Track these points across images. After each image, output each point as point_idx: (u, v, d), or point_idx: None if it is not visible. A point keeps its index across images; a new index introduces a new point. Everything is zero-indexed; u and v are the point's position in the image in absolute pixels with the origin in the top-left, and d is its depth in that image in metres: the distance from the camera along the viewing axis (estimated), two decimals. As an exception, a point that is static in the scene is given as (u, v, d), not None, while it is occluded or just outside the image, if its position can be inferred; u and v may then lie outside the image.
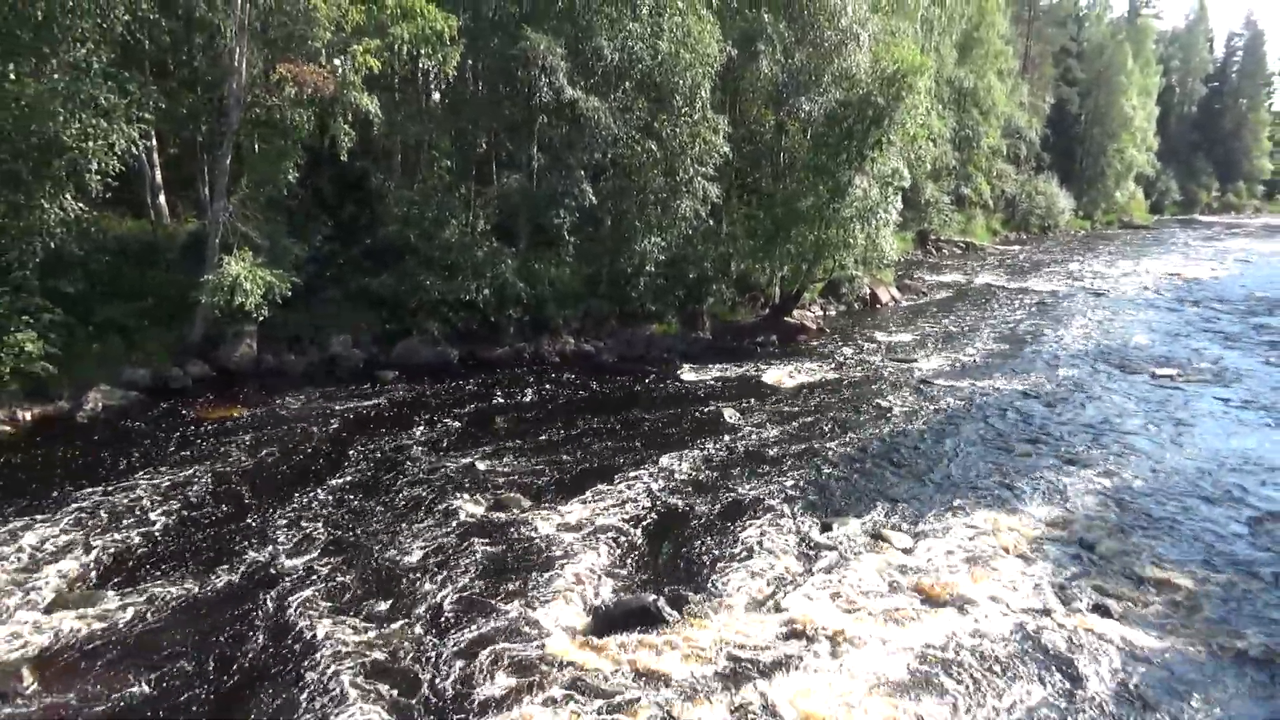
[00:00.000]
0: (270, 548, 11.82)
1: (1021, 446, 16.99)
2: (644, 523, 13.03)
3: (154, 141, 21.49)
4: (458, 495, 13.80)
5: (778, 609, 10.53)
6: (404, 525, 12.71)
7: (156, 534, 12.18)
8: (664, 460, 15.69)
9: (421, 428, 17.17)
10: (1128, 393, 21.12)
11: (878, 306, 32.91)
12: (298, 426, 17.02)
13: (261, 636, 9.71)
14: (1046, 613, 10.51)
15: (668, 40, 23.07)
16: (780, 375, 22.20)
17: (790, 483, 14.80)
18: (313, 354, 21.41)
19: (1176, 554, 12.30)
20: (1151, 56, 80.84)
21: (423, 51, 19.56)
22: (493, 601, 10.53)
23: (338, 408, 18.31)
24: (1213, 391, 21.22)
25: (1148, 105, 77.54)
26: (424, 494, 13.88)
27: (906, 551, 12.15)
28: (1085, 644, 9.85)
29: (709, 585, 11.13)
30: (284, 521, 12.70)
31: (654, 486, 14.47)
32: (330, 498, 13.67)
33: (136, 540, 11.93)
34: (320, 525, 12.62)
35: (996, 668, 9.39)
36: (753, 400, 19.92)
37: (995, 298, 36.02)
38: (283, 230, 20.63)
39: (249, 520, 12.72)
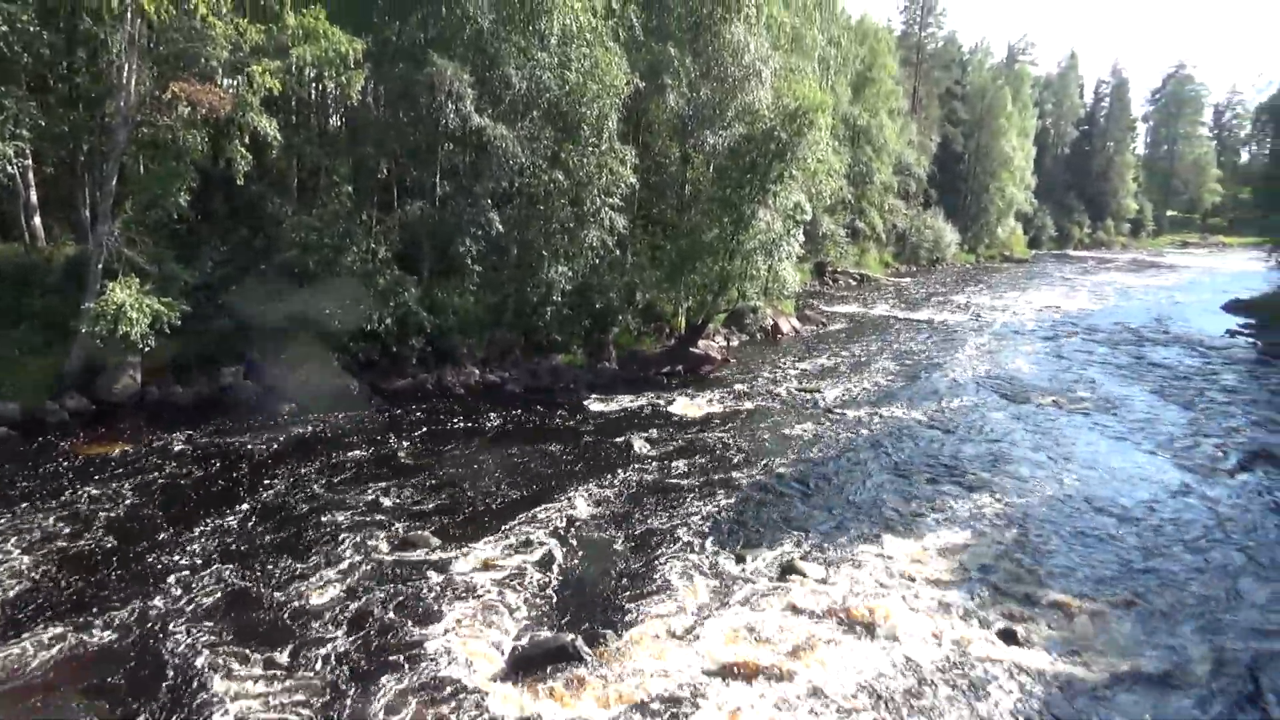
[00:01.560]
0: (157, 596, 11.10)
1: (923, 474, 17.47)
2: (557, 558, 12.79)
3: (29, 160, 20.22)
4: (362, 533, 13.28)
5: (695, 643, 10.45)
6: (305, 567, 12.13)
7: (25, 582, 11.28)
8: (575, 493, 15.50)
9: (321, 463, 16.51)
10: (1017, 420, 21.99)
11: (780, 336, 33.51)
12: (184, 463, 16.13)
13: (151, 692, 9.07)
14: (956, 639, 10.74)
15: (575, 71, 23.13)
16: (687, 405, 22.29)
17: (702, 514, 14.80)
18: (202, 385, 20.42)
19: (1071, 576, 12.78)
20: (1029, 100, 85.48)
21: (326, 74, 19.06)
22: (404, 645, 10.13)
23: (229, 442, 17.45)
24: (1093, 418, 22.28)
25: (1026, 146, 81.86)
26: (326, 533, 13.31)
27: (820, 581, 12.26)
28: (994, 669, 10.10)
29: (626, 621, 10.98)
30: (171, 566, 11.97)
31: (566, 520, 14.25)
32: (221, 539, 12.95)
33: (1, 590, 11.02)
34: (211, 570, 11.93)
35: (913, 695, 9.52)
36: (661, 431, 19.91)
37: (891, 328, 37.19)
38: (171, 255, 19.64)
39: (132, 566, 11.93)
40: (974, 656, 10.35)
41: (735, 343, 31.45)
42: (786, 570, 12.61)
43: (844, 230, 52.37)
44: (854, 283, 53.94)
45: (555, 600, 11.56)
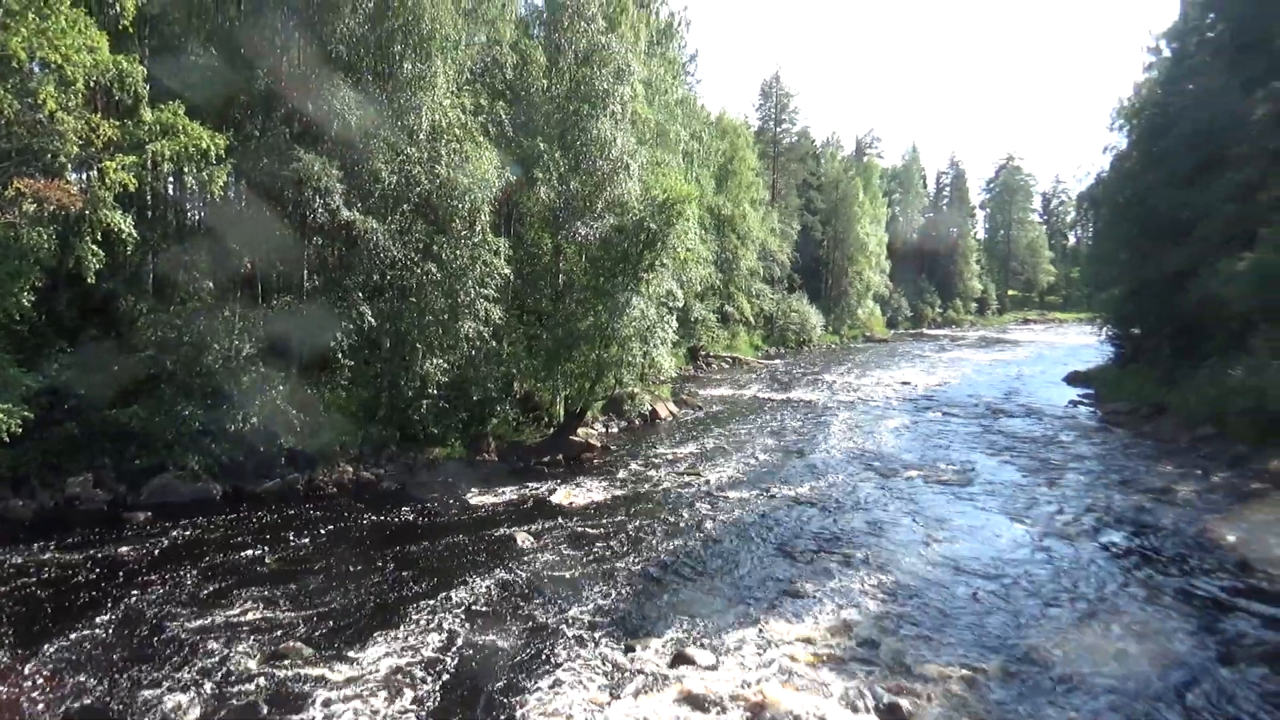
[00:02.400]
0: (-8, 734, 10.01)
1: (804, 551, 17.75)
2: (440, 663, 12.26)
3: None
4: (227, 649, 12.39)
5: (589, 743, 10.14)
6: (163, 688, 11.18)
7: None
8: (457, 592, 14.99)
9: (181, 575, 15.40)
10: (887, 494, 22.73)
11: (658, 421, 33.82)
12: (24, 583, 14.77)
13: None
14: (843, 718, 10.78)
15: (446, 166, 23.29)
16: (570, 495, 22.07)
17: (590, 606, 14.54)
18: (44, 497, 18.94)
19: (949, 646, 13.11)
20: (878, 190, 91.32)
21: (186, 169, 18.52)
22: (274, 770, 9.41)
23: (74, 558, 16.10)
24: (957, 489, 23.27)
25: (878, 232, 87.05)
26: (186, 650, 12.35)
27: (710, 669, 12.16)
28: (884, 746, 10.17)
29: (515, 725, 10.56)
30: (6, 697, 10.81)
31: (448, 621, 13.72)
32: (67, 663, 11.82)
33: None
34: (56, 696, 10.85)
35: (808, 780, 9.47)
36: (544, 522, 19.59)
37: (765, 408, 38.12)
38: (11, 359, 18.32)
39: (-37, 703, 10.74)
40: (864, 733, 10.43)
41: (615, 429, 31.54)
42: (677, 659, 12.46)
43: (715, 315, 53.90)
44: (727, 366, 55.30)
45: (438, 708, 11.04)
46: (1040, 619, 14.25)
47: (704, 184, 48.21)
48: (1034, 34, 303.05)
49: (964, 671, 12.16)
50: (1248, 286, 24.36)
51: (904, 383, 48.10)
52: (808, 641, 13.18)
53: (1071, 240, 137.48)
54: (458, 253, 23.88)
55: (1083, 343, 63.88)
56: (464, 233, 24.03)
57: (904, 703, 11.16)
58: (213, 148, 18.34)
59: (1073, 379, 47.74)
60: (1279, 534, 18.56)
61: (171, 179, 22.43)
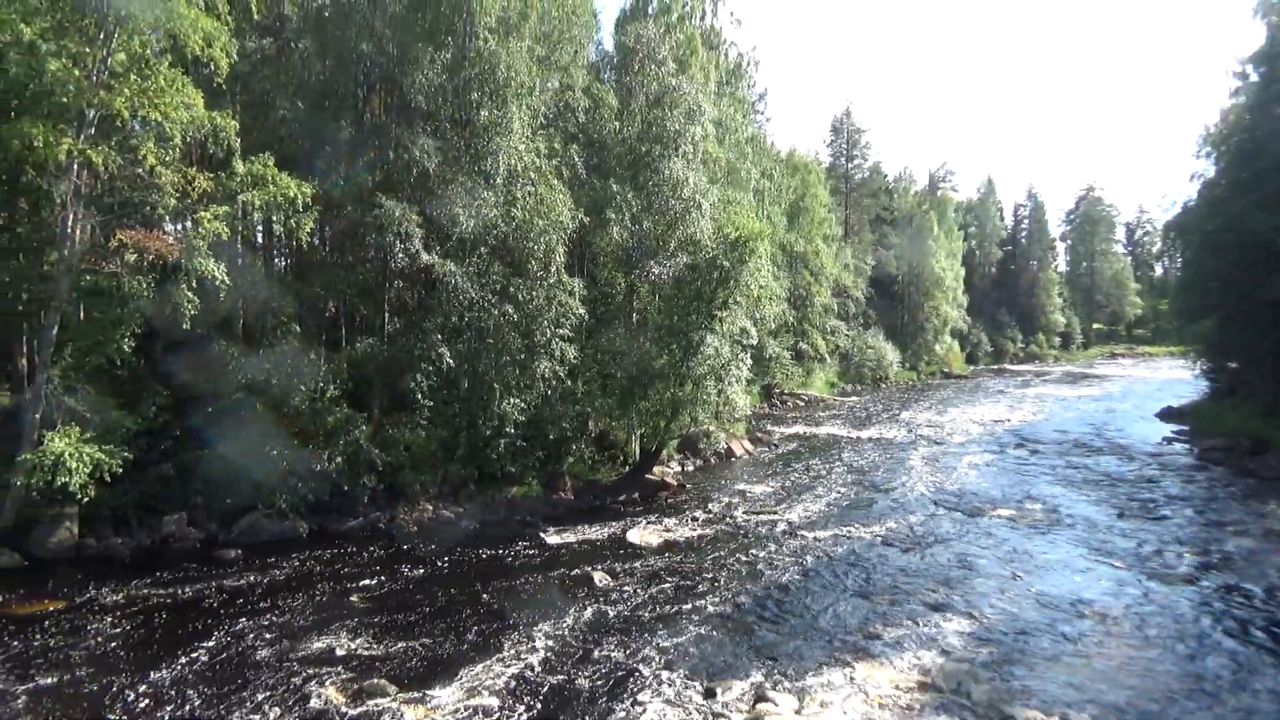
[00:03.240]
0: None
1: (885, 593, 17.29)
2: (520, 702, 12.24)
3: (-38, 310, 19.89)
4: (315, 686, 12.58)
5: (671, 787, 9.95)
6: (252, 725, 11.40)
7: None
8: (535, 630, 14.98)
9: (269, 612, 15.75)
10: (972, 534, 22.04)
11: (733, 459, 33.55)
12: (123, 619, 15.25)
13: None
14: (938, 766, 10.39)
15: (521, 208, 23.75)
16: (646, 534, 21.96)
17: (668, 646, 14.37)
18: (142, 536, 19.58)
19: (1042, 694, 12.58)
20: (954, 224, 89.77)
21: (274, 218, 19.27)
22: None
23: (171, 594, 16.61)
24: (1045, 530, 22.45)
25: (955, 266, 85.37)
26: (276, 687, 12.58)
27: (795, 713, 11.89)
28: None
29: (596, 767, 10.43)
30: (108, 732, 11.15)
31: (527, 660, 13.71)
32: (160, 699, 12.15)
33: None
34: (152, 733, 11.14)
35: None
36: (621, 561, 19.51)
37: (841, 447, 37.48)
38: (112, 403, 19.17)
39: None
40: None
41: (690, 467, 31.36)
42: (758, 701, 12.22)
43: (789, 352, 53.39)
44: (802, 403, 54.63)
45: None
46: (1137, 667, 13.61)
47: (775, 221, 48.07)
48: (1111, 63, 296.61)
49: (1059, 720, 11.62)
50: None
51: (987, 419, 46.83)
52: (894, 686, 12.79)
53: (1159, 271, 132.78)
54: (534, 293, 24.23)
55: (1174, 377, 61.48)
56: (539, 273, 24.40)
57: (998, 752, 10.71)
58: (300, 196, 19.04)
59: (1165, 415, 45.86)
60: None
61: (260, 227, 23.34)
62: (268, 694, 12.33)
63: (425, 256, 22.38)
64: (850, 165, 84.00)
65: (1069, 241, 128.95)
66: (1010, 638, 14.77)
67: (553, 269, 24.59)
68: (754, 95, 52.02)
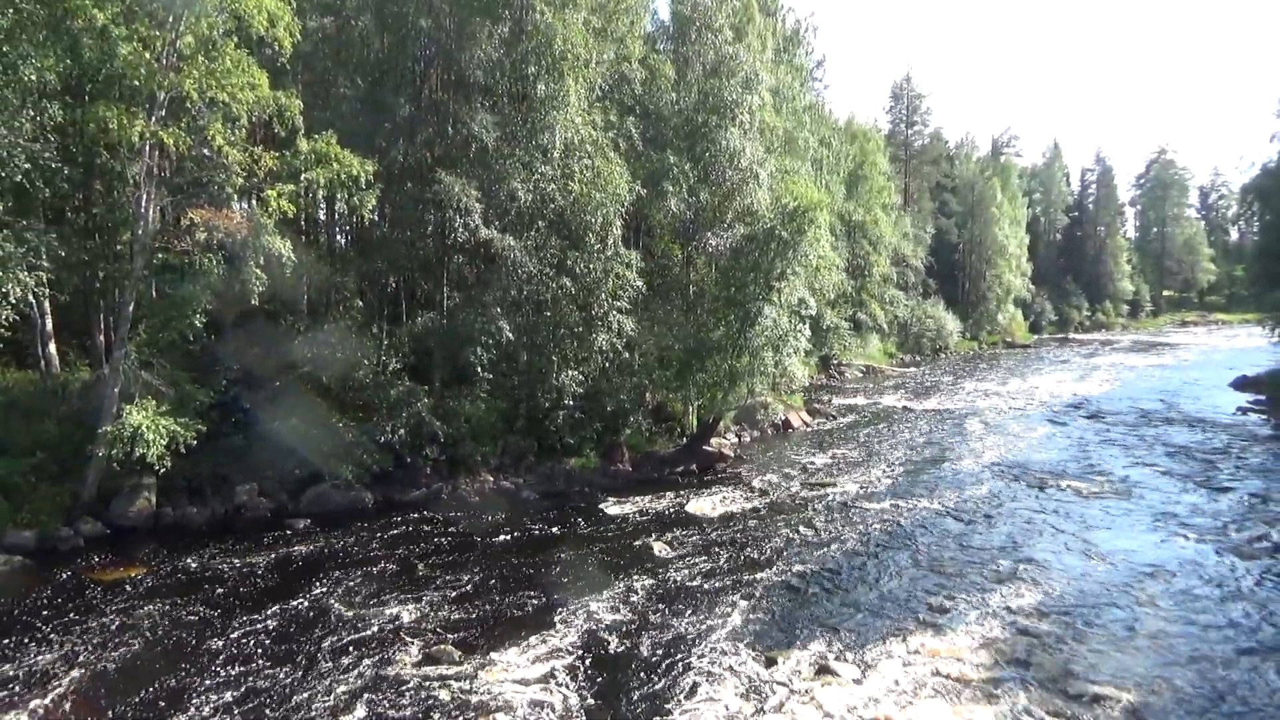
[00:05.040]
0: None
1: (947, 565, 17.16)
2: (583, 668, 12.46)
3: (46, 289, 20.63)
4: (384, 650, 12.98)
5: (733, 754, 10.08)
6: (329, 687, 11.80)
7: (52, 712, 10.97)
8: (597, 599, 15.20)
9: (338, 579, 16.23)
10: (1036, 507, 21.69)
11: (790, 431, 33.44)
12: (200, 586, 15.86)
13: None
14: (1002, 739, 10.35)
15: (579, 182, 23.79)
16: (704, 505, 22.07)
17: (727, 615, 14.48)
18: (215, 505, 20.28)
19: (1108, 667, 12.40)
20: (1017, 190, 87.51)
21: (338, 195, 19.61)
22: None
23: (244, 562, 17.20)
24: (1114, 502, 21.99)
25: (1018, 234, 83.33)
26: (347, 651, 13.00)
27: (855, 683, 11.92)
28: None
29: (659, 733, 10.62)
30: (191, 690, 11.65)
31: (590, 628, 13.94)
32: (240, 662, 12.63)
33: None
34: (233, 694, 11.61)
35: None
36: (679, 531, 19.66)
37: (901, 418, 37.07)
38: (186, 376, 19.82)
39: (151, 693, 11.61)
40: (1023, 755, 9.96)
41: (747, 439, 31.34)
42: (820, 671, 12.27)
43: (847, 323, 52.80)
44: (860, 374, 54.07)
45: (585, 711, 11.21)
46: (1208, 645, 13.30)
47: (834, 190, 47.37)
48: (1182, 21, 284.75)
49: (1130, 696, 11.47)
50: None
51: (1051, 389, 45.83)
52: (957, 658, 12.72)
53: (1234, 236, 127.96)
54: (591, 266, 24.33)
55: (1251, 345, 59.47)
56: (597, 246, 24.46)
57: (1064, 726, 10.62)
58: (362, 174, 19.33)
59: (1241, 385, 44.33)
60: None
61: (324, 204, 23.79)
62: (338, 659, 12.75)
63: (484, 231, 22.59)
64: (910, 132, 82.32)
65: (1139, 206, 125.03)
66: (1077, 611, 14.56)
67: (610, 242, 24.64)
68: (812, 62, 51.21)
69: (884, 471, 26.08)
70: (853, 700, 11.40)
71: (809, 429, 34.29)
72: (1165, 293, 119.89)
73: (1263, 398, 39.73)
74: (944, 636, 13.54)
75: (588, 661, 12.68)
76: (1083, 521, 20.22)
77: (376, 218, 24.17)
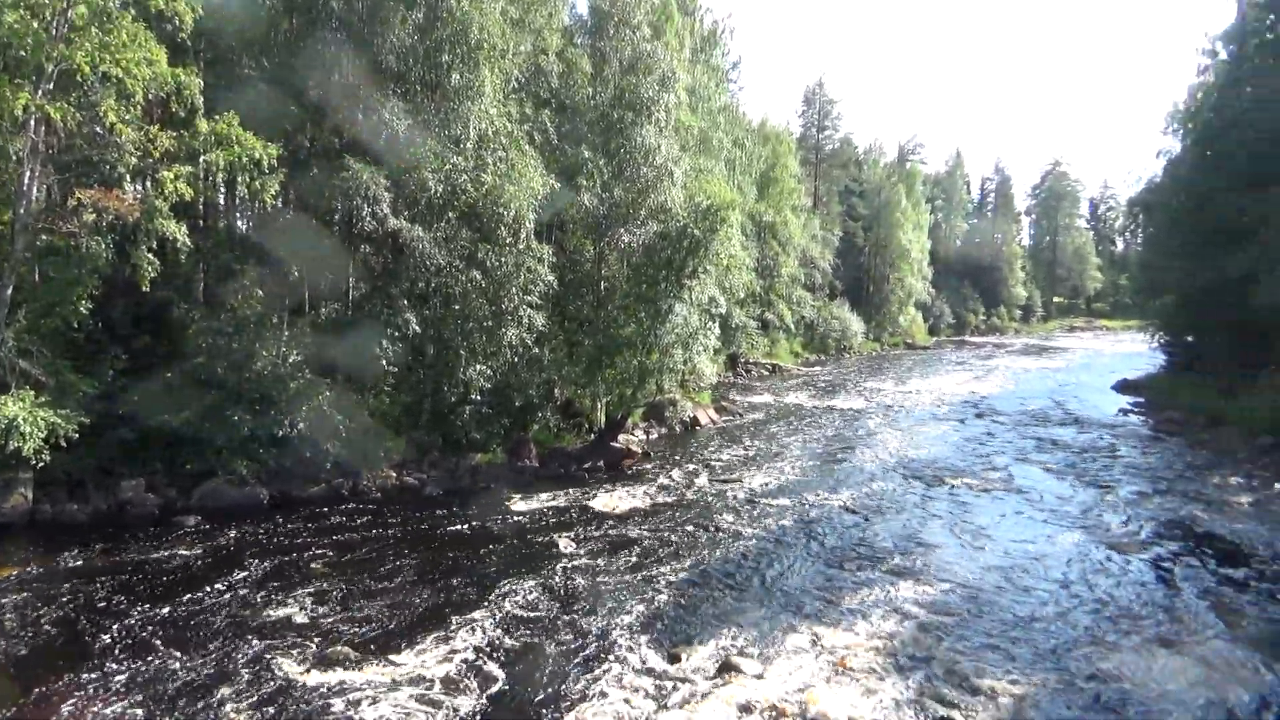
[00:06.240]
0: (52, 732, 10.23)
1: (848, 560, 17.60)
2: (484, 668, 12.32)
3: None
4: (276, 654, 12.57)
5: (635, 753, 10.12)
6: (213, 694, 11.36)
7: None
8: (499, 597, 15.07)
9: (228, 579, 15.65)
10: (932, 502, 22.46)
11: (698, 428, 33.76)
12: (80, 585, 15.07)
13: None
14: (896, 732, 10.67)
15: (492, 174, 23.47)
16: (611, 501, 22.11)
17: (633, 612, 14.54)
18: (98, 501, 19.31)
19: (999, 659, 12.90)
20: (921, 196, 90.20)
21: (239, 179, 18.87)
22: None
23: (129, 560, 16.45)
24: (1005, 498, 22.95)
25: (921, 239, 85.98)
26: (235, 655, 12.54)
27: (757, 678, 12.11)
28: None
29: (561, 734, 10.58)
30: (62, 695, 11.07)
31: (492, 627, 13.80)
32: (118, 666, 12.07)
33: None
34: (107, 702, 11.07)
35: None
36: (586, 528, 19.65)
37: (805, 416, 37.87)
38: (69, 365, 18.81)
39: (14, 700, 10.99)
40: (915, 748, 10.30)
41: (655, 435, 31.52)
42: (723, 668, 12.43)
43: (755, 322, 53.61)
44: (767, 373, 55.02)
45: (483, 712, 11.10)
46: (1096, 633, 13.99)
47: (746, 191, 48.03)
48: (1080, 38, 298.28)
49: (1018, 687, 11.96)
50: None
51: (948, 390, 47.50)
52: (856, 652, 13.06)
53: (1120, 246, 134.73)
54: (502, 260, 24.05)
55: (1132, 350, 62.62)
56: (509, 240, 24.20)
57: (957, 716, 11.01)
58: (265, 157, 18.65)
59: (1123, 387, 46.83)
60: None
61: (223, 189, 22.89)
62: (225, 664, 12.30)
63: (392, 221, 22.11)
64: (821, 136, 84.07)
65: (1034, 215, 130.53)
66: (968, 602, 15.13)
67: (522, 235, 24.40)
68: (728, 63, 51.80)
69: (788, 468, 26.58)
70: (754, 694, 11.58)
71: (716, 426, 34.70)
72: (1055, 299, 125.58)
73: (1142, 400, 42.04)
74: (842, 629, 13.88)
75: (490, 661, 12.55)
76: (974, 516, 21.02)
77: (280, 204, 23.38)
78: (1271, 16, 35.73)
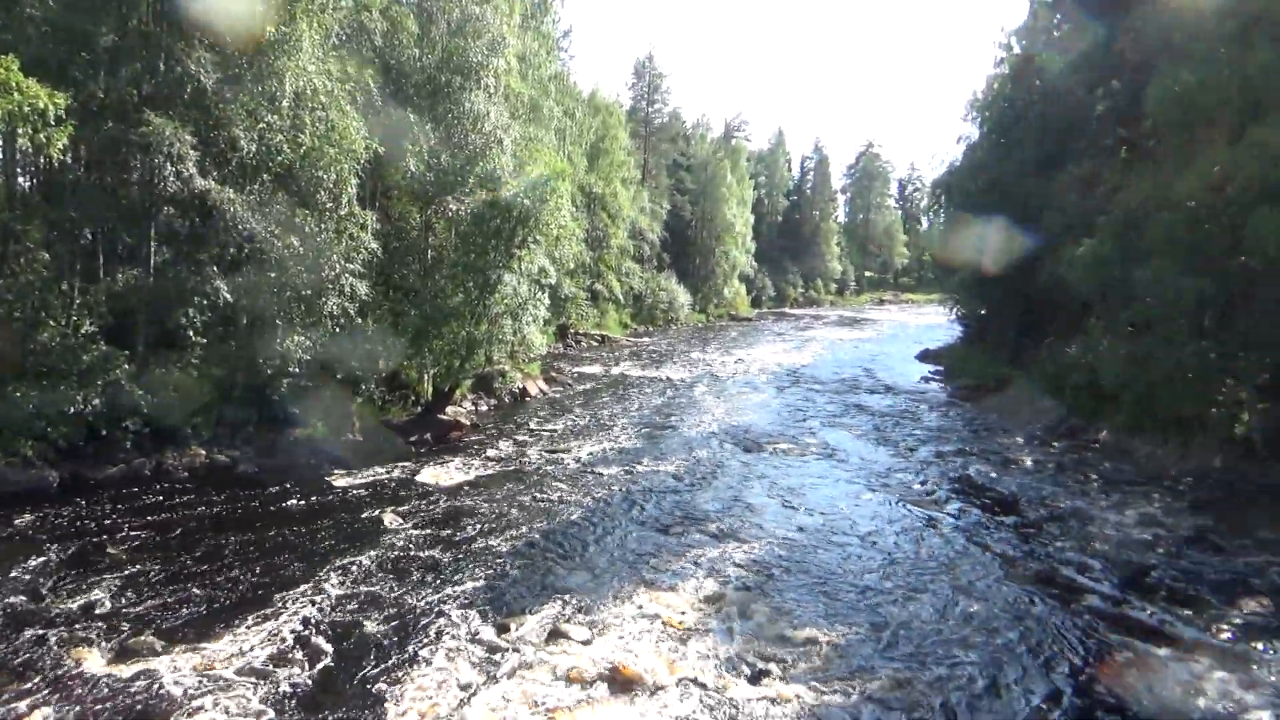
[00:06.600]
0: None
1: (674, 526, 18.16)
2: (304, 652, 11.90)
3: None
4: (71, 648, 11.66)
5: (465, 723, 10.12)
6: None
7: None
8: (320, 577, 14.59)
9: (13, 571, 14.31)
10: (753, 468, 23.47)
11: (528, 399, 33.71)
12: None
13: None
14: (717, 686, 11.17)
15: (310, 135, 22.30)
16: (439, 474, 21.79)
17: (461, 586, 14.46)
18: None
19: (815, 612, 13.72)
20: (745, 172, 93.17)
21: (19, 131, 17.02)
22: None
23: (-107, 552, 14.79)
24: (820, 462, 24.35)
25: (745, 214, 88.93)
26: (24, 650, 11.55)
27: (585, 643, 12.34)
28: (752, 708, 10.60)
29: (387, 711, 10.41)
30: None
31: (311, 608, 13.33)
32: (-111, 670, 10.90)
33: None
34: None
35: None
36: (412, 502, 19.29)
37: (634, 386, 38.56)
38: None
39: None
40: (734, 699, 10.83)
41: (484, 407, 31.23)
42: (552, 635, 12.58)
43: (585, 293, 53.93)
44: (596, 344, 55.52)
45: (302, 699, 10.75)
46: (900, 582, 15.13)
47: (576, 161, 47.98)
48: (895, 23, 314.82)
49: (830, 637, 12.77)
50: (1085, 271, 26.28)
51: (770, 360, 49.59)
52: (681, 612, 13.54)
53: (925, 225, 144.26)
54: (323, 226, 22.96)
55: (934, 322, 67.55)
56: (329, 205, 23.11)
57: (774, 668, 11.64)
58: (51, 107, 16.85)
59: (924, 356, 50.46)
60: (1107, 498, 20.33)
61: (1, 141, 20.60)
62: (16, 664, 11.30)
63: (199, 181, 20.59)
64: (651, 109, 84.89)
65: (849, 194, 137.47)
66: (787, 561, 15.99)
67: (344, 201, 23.36)
68: (558, 31, 51.33)
69: (616, 438, 27.02)
70: (582, 659, 11.80)
71: (546, 397, 34.77)
72: (867, 273, 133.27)
73: (941, 368, 45.44)
74: (668, 592, 14.34)
75: (310, 644, 12.12)
76: (791, 479, 22.20)
77: (70, 159, 21.31)
78: (1058, 16, 39.03)
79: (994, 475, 22.91)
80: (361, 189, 24.81)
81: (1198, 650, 12.46)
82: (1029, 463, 24.23)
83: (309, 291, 22.98)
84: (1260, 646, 12.51)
